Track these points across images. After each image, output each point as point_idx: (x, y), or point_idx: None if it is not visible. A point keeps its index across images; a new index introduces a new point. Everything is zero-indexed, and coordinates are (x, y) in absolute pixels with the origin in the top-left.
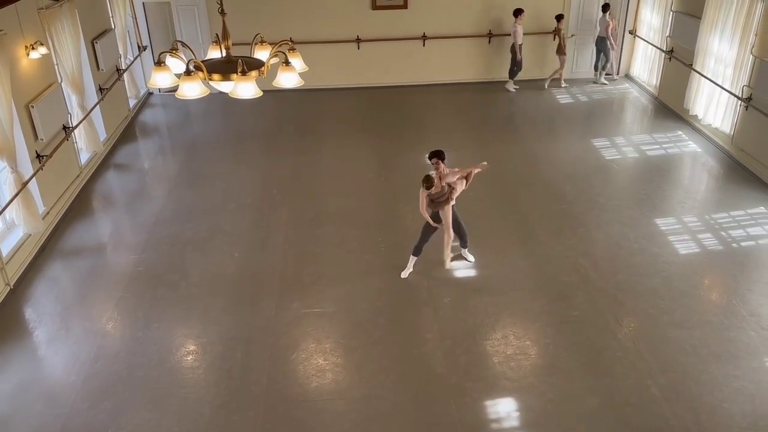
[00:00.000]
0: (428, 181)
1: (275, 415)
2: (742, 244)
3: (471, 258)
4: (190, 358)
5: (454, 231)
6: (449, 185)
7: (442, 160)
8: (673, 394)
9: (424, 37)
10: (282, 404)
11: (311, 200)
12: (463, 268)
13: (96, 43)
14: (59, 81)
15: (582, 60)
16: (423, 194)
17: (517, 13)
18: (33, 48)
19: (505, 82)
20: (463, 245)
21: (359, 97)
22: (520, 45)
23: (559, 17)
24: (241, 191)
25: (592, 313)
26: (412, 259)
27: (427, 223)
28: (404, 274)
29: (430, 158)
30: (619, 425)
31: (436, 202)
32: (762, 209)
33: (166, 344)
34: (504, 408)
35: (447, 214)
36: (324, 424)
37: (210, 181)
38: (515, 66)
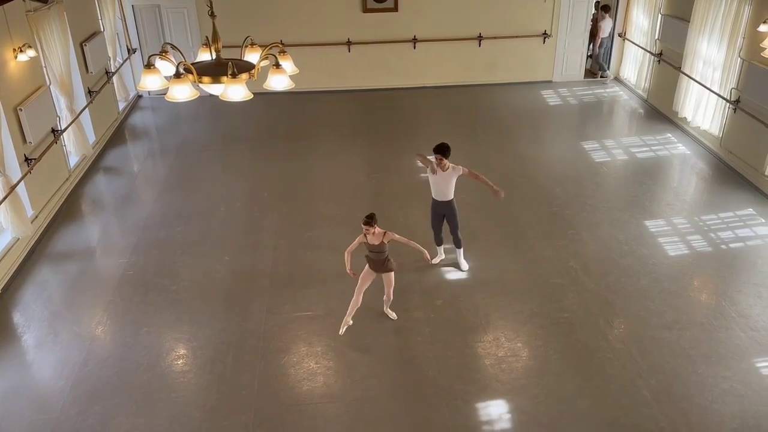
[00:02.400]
0: (370, 218)
1: (266, 419)
2: (731, 245)
3: (465, 266)
4: (180, 362)
5: (451, 226)
6: (384, 251)
7: (446, 154)
8: (663, 395)
9: (414, 40)
10: (273, 408)
11: (302, 203)
12: (454, 271)
13: (85, 45)
14: (48, 84)
15: (572, 62)
16: (359, 238)
17: (607, 9)
18: (21, 50)
19: (492, 85)
20: (457, 245)
21: (350, 99)
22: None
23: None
24: (231, 194)
25: (583, 314)
26: (439, 249)
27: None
28: (434, 261)
29: (438, 150)
30: (609, 426)
31: (373, 260)
32: (750, 211)
33: (155, 348)
34: (495, 410)
35: (389, 280)
36: (315, 428)
37: (200, 184)
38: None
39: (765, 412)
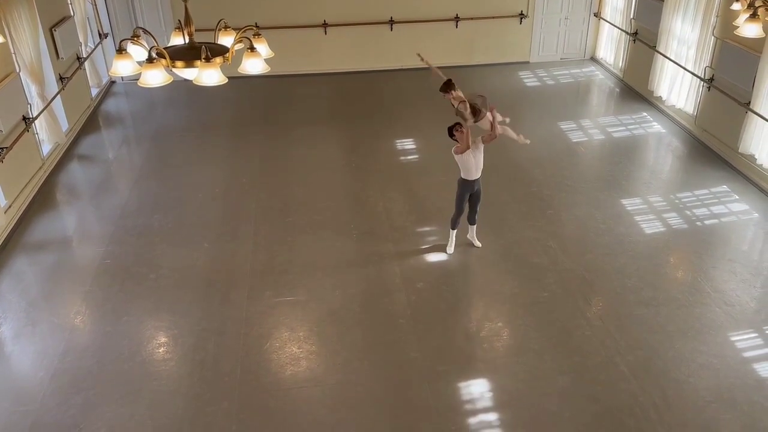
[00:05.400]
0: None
1: (250, 405)
2: (706, 222)
3: (478, 243)
4: (161, 350)
5: (477, 203)
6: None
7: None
8: (640, 371)
9: (391, 21)
10: (256, 394)
11: (281, 188)
12: (435, 254)
13: (55, 30)
14: (17, 70)
15: (549, 43)
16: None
17: None
18: None
19: (469, 66)
20: (473, 222)
21: (327, 82)
22: None
23: None
24: (208, 181)
25: (562, 293)
26: (452, 233)
27: (461, 190)
28: (449, 250)
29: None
30: (589, 403)
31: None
32: (725, 188)
33: (136, 337)
34: (477, 389)
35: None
36: (299, 412)
37: (177, 170)
38: None
39: (740, 384)
